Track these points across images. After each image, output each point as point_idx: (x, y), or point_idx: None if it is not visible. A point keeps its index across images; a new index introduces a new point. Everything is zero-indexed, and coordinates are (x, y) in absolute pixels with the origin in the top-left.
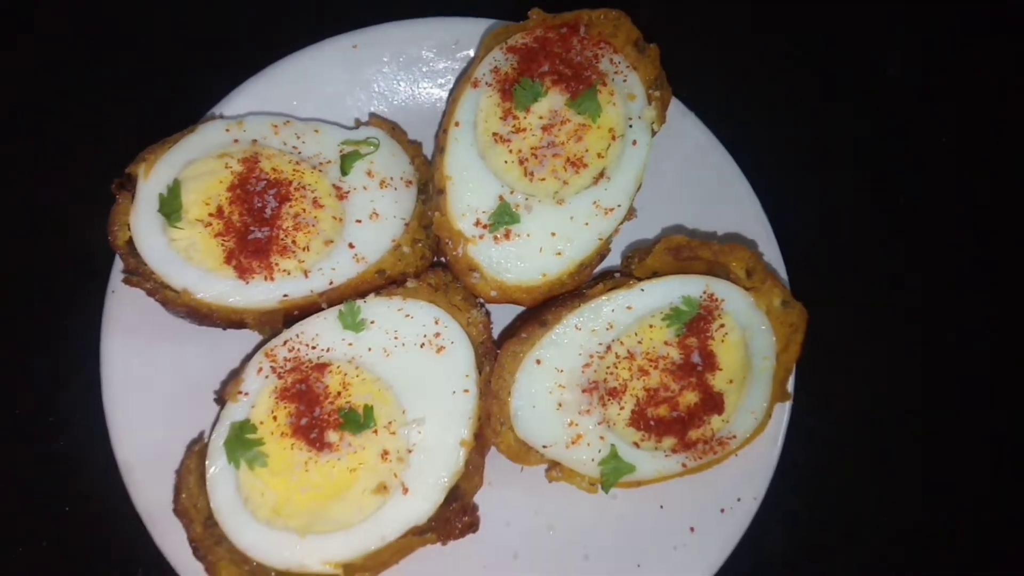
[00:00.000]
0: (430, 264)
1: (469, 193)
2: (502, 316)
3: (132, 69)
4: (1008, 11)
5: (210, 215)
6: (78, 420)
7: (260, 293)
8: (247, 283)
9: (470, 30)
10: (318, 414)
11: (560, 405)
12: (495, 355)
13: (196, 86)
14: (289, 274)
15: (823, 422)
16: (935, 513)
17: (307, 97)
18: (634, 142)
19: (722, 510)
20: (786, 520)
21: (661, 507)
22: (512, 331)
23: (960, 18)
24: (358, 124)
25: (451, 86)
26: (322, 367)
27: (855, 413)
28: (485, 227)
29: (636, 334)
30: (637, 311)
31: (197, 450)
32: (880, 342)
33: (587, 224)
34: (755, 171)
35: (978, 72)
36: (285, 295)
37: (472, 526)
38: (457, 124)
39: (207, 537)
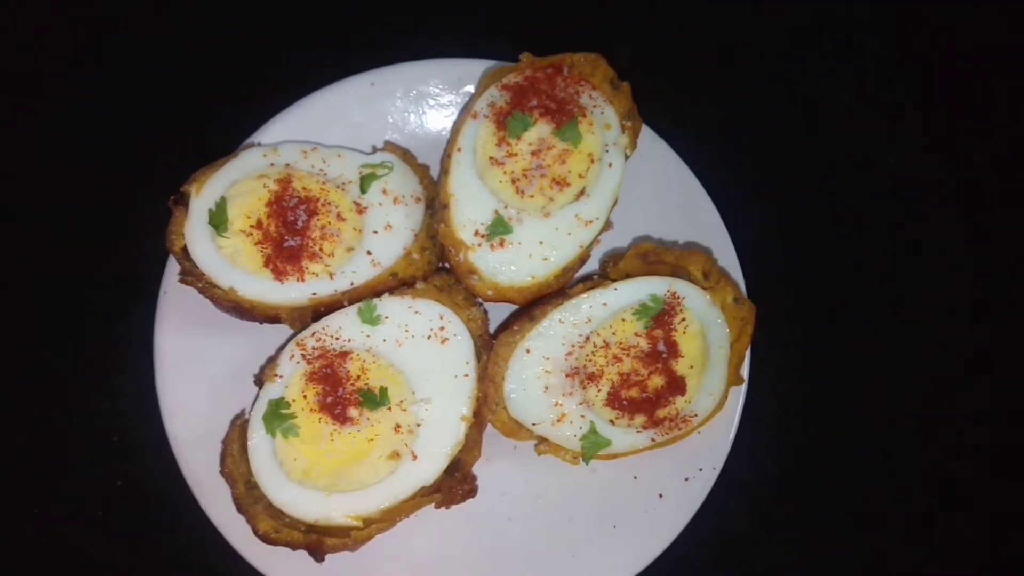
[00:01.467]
0: (436, 268)
1: (469, 208)
2: (498, 313)
3: (186, 105)
4: (949, 41)
5: (251, 227)
6: (128, 406)
7: (293, 292)
8: (282, 283)
9: (471, 70)
10: (341, 393)
11: (547, 388)
12: (491, 345)
13: (238, 118)
14: (317, 276)
15: (780, 407)
16: (882, 487)
17: (331, 127)
18: (610, 164)
19: (686, 479)
20: (745, 494)
21: (634, 477)
22: (506, 325)
23: (904, 52)
24: (375, 150)
25: (454, 117)
26: (344, 355)
27: (807, 398)
28: (483, 237)
29: (611, 327)
30: (612, 307)
31: (239, 424)
32: (827, 335)
33: (570, 234)
34: (715, 188)
35: (918, 99)
36: (314, 294)
37: (471, 493)
38: (459, 150)
39: (248, 496)
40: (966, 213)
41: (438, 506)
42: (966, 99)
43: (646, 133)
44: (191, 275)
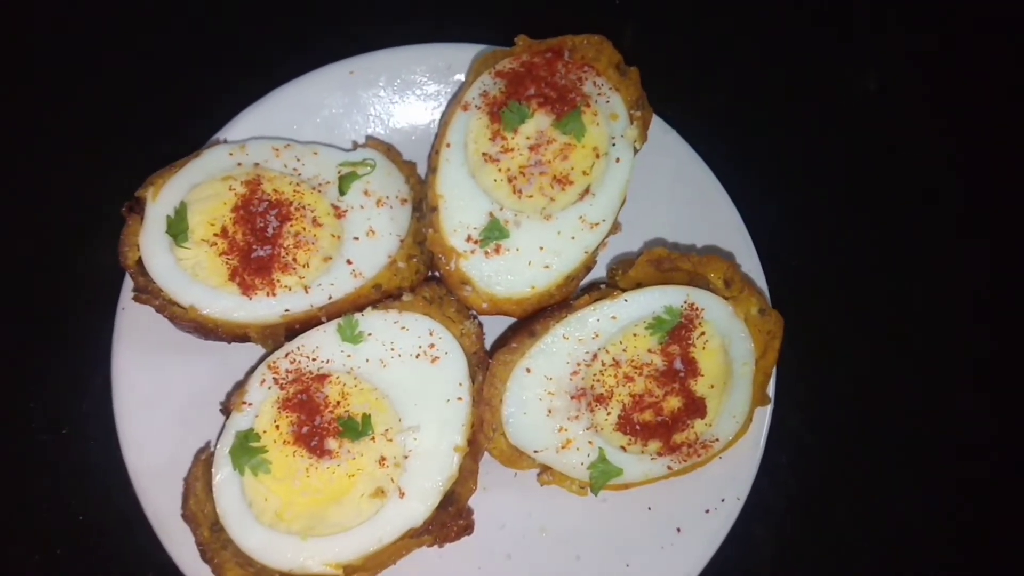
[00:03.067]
0: (424, 278)
1: (461, 210)
2: (494, 327)
3: (140, 99)
4: (983, 23)
5: (215, 235)
6: (91, 432)
7: (263, 308)
8: (250, 299)
9: (461, 56)
10: (318, 423)
11: (550, 411)
12: (487, 364)
13: (201, 113)
14: (290, 290)
15: (806, 426)
16: (918, 511)
17: (306, 121)
18: (617, 159)
19: (707, 510)
20: (770, 521)
21: (648, 508)
22: (503, 341)
23: (936, 33)
24: (355, 146)
25: (443, 109)
26: (322, 378)
27: (836, 417)
28: (476, 242)
29: (621, 342)
30: (621, 321)
31: (204, 458)
32: (858, 348)
33: (573, 238)
34: (735, 185)
35: (952, 85)
36: (287, 310)
37: (467, 529)
38: (448, 145)
39: (214, 541)
40: (1006, 212)
41: (430, 544)
42: (1005, 83)
43: (656, 124)
44: (147, 291)
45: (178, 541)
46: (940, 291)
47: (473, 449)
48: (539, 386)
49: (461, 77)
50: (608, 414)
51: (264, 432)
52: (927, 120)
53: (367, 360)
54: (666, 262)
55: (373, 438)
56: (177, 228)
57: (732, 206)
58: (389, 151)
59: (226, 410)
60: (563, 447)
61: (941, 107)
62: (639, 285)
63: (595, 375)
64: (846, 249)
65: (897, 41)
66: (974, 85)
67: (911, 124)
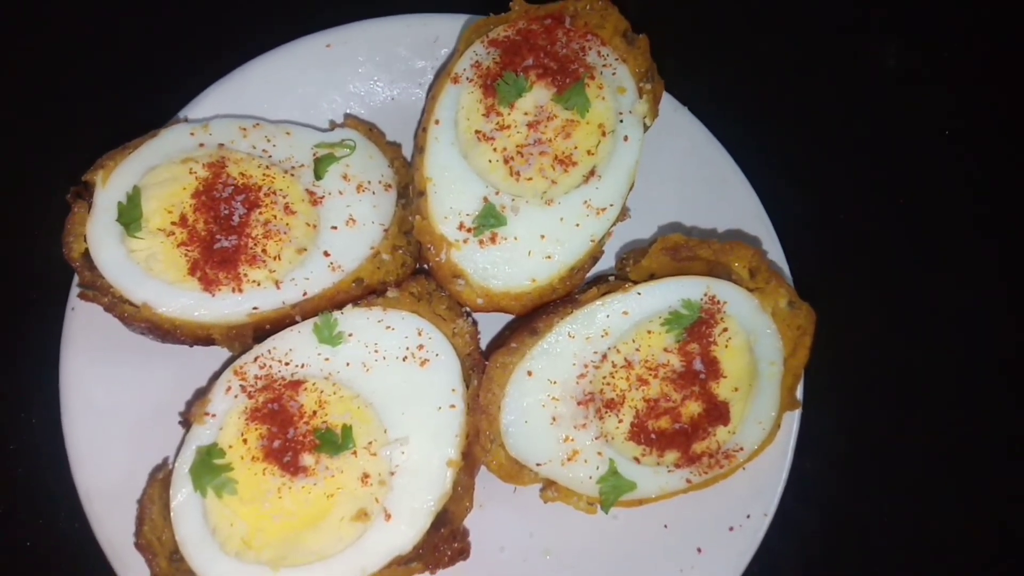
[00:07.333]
0: (412, 272)
1: (451, 195)
2: (490, 325)
3: (92, 71)
4: None
5: (173, 224)
6: (40, 445)
7: (228, 306)
8: (213, 296)
9: (449, 26)
10: (292, 436)
11: (554, 419)
12: (483, 367)
13: (160, 90)
14: (259, 285)
15: (836, 431)
16: (957, 527)
17: (278, 100)
18: (625, 138)
19: (731, 528)
20: (800, 538)
21: (665, 527)
22: (501, 341)
23: (956, 6)
24: (333, 126)
25: (431, 84)
26: (296, 384)
27: (869, 420)
28: (469, 231)
29: (633, 341)
30: (634, 316)
31: (161, 478)
32: (891, 343)
33: (578, 225)
34: (752, 166)
35: (979, 59)
36: (255, 308)
37: (462, 552)
38: (437, 122)
39: (173, 572)
40: None
41: (421, 571)
42: None
43: (667, 99)
44: (94, 288)
45: (134, 570)
46: (979, 282)
47: (468, 463)
48: (542, 391)
49: (450, 51)
50: (619, 421)
51: (230, 447)
52: (954, 98)
53: (347, 364)
54: (683, 250)
55: (355, 452)
56: (129, 216)
57: (750, 189)
58: (371, 131)
59: (186, 422)
60: (569, 459)
61: (963, 83)
62: (653, 276)
63: (605, 378)
64: (873, 238)
65: (917, 12)
66: (999, 60)
67: (935, 102)
